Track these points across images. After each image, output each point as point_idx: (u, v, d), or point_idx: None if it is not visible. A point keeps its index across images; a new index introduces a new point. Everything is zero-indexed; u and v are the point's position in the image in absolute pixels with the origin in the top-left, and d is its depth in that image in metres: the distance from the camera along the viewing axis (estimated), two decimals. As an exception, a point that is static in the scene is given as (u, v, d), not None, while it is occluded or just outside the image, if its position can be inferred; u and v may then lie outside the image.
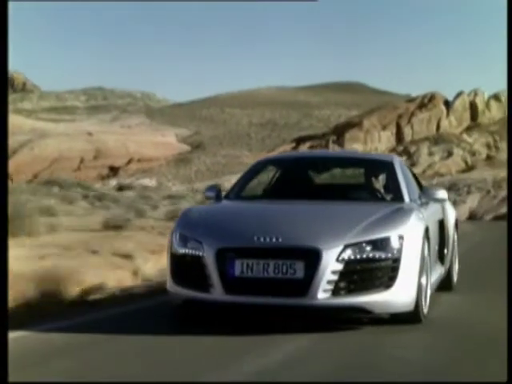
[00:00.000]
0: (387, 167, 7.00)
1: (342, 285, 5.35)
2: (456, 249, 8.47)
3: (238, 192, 6.90)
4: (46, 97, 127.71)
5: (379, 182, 7.44)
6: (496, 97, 69.05)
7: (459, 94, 69.52)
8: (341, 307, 5.36)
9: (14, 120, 53.52)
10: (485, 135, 65.44)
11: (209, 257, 5.51)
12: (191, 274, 5.66)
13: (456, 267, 8.46)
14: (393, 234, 5.53)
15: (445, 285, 7.69)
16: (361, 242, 5.43)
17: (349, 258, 5.36)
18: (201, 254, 5.57)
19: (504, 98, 67.48)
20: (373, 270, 5.41)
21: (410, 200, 6.50)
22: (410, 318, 5.69)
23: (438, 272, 6.98)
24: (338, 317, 5.63)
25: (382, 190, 7.08)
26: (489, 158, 59.82)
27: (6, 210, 5.19)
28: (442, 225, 7.38)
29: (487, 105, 69.38)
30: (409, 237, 5.59)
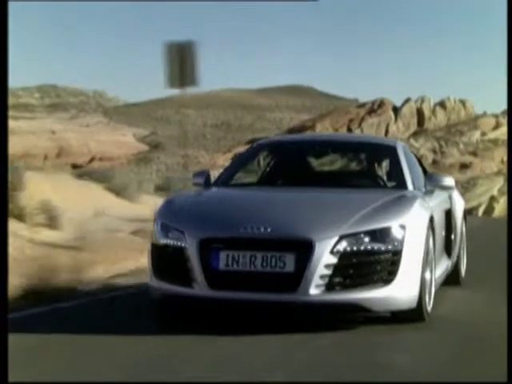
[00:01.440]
0: (390, 152, 6.48)
1: (337, 280, 4.85)
2: (464, 240, 7.95)
3: (227, 179, 6.40)
4: None
5: (382, 169, 6.92)
6: (442, 104, 71.83)
7: (407, 101, 72.90)
8: (335, 304, 4.86)
9: None
10: (431, 140, 67.25)
11: (191, 248, 5.02)
12: (173, 267, 5.17)
13: (464, 260, 7.94)
14: (394, 224, 5.02)
15: (452, 279, 7.18)
16: (358, 233, 4.92)
17: (344, 250, 4.86)
18: (183, 244, 5.08)
19: (449, 104, 71.06)
20: (371, 264, 4.90)
21: (414, 187, 5.99)
22: (412, 316, 5.18)
23: (444, 265, 6.47)
24: (332, 315, 5.12)
25: (385, 177, 6.57)
26: (435, 162, 60.67)
27: (6, 198, 4.73)
28: (448, 215, 6.87)
29: (433, 111, 71.78)
30: (411, 227, 5.08)
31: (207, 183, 6.32)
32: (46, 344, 4.60)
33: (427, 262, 5.38)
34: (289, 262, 4.82)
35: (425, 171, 6.98)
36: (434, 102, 73.03)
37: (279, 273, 4.82)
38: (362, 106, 76.84)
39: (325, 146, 6.94)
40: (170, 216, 5.40)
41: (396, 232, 4.99)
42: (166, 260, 5.24)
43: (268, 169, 7.07)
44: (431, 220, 5.50)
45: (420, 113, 72.20)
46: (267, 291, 4.84)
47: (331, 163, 7.65)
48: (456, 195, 7.63)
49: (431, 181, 6.15)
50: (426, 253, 5.30)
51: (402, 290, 4.99)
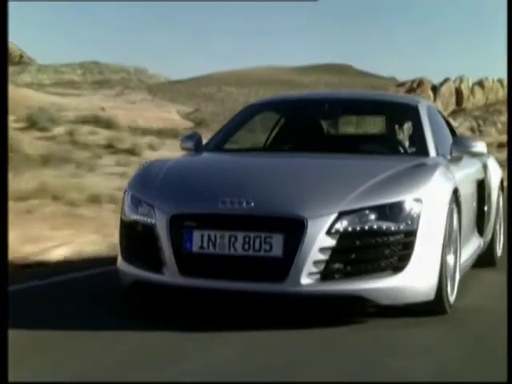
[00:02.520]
0: (411, 113, 5.51)
1: (335, 266, 3.96)
2: (502, 215, 6.96)
3: (220, 143, 5.52)
4: (44, 70, 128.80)
5: (404, 132, 5.95)
6: (480, 83, 70.88)
7: (446, 81, 72.10)
8: (332, 296, 3.98)
9: (27, 93, 54.03)
10: (469, 120, 66.55)
11: (161, 226, 4.17)
12: (142, 248, 4.34)
13: (501, 237, 6.97)
14: (407, 198, 4.10)
15: (486, 260, 6.23)
16: (362, 209, 4.02)
17: (345, 230, 3.96)
18: (153, 221, 4.24)
19: (488, 84, 70.52)
20: (378, 247, 4.00)
21: (438, 154, 5.04)
22: (429, 308, 4.29)
23: (473, 246, 5.52)
24: (329, 308, 4.23)
25: (407, 143, 5.62)
26: (473, 141, 60.33)
27: (6, 173, 4.17)
28: (482, 186, 5.90)
29: (472, 91, 71.07)
30: (429, 201, 4.16)
31: (197, 148, 5.45)
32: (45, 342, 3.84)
33: (450, 243, 4.47)
34: (276, 245, 3.94)
35: (454, 136, 6.01)
36: (472, 82, 73.27)
37: (264, 257, 3.95)
38: (402, 85, 77.38)
39: (336, 106, 5.97)
40: (142, 187, 4.56)
41: (410, 207, 4.08)
42: (134, 240, 4.42)
43: (273, 132, 6.19)
44: (456, 193, 4.57)
45: (458, 92, 72.67)
46: (249, 280, 3.98)
47: (344, 125, 6.67)
48: (492, 163, 6.64)
49: (458, 146, 5.17)
50: (449, 232, 4.38)
51: (416, 279, 4.08)
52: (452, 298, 4.50)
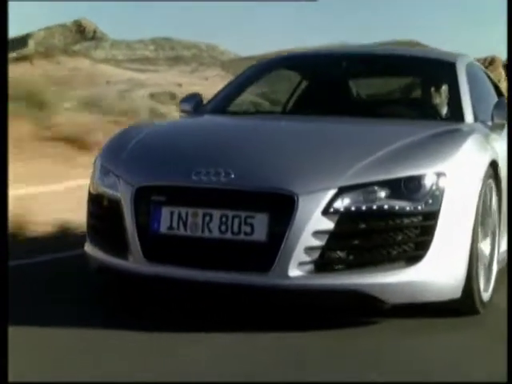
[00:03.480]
0: (447, 70, 4.61)
1: (333, 255, 3.16)
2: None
3: (221, 104, 4.73)
4: (117, 46, 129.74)
5: (441, 94, 5.04)
6: None
7: None
8: (328, 292, 3.18)
9: (107, 69, 54.55)
10: None
11: (125, 201, 3.43)
12: (106, 226, 3.62)
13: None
14: (428, 171, 3.27)
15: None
16: (370, 184, 3.21)
17: (346, 209, 3.16)
18: (118, 195, 3.51)
19: None
20: (389, 231, 3.18)
21: (476, 120, 4.17)
22: (456, 308, 3.46)
23: None
24: (324, 307, 3.43)
25: (446, 107, 4.72)
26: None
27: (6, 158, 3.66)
28: None
29: None
30: (457, 176, 3.32)
31: (197, 110, 4.69)
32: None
33: (485, 228, 3.62)
34: (259, 227, 3.16)
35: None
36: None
37: (244, 241, 3.18)
38: (475, 62, 77.75)
39: (360, 63, 5.07)
40: (112, 154, 3.82)
41: (431, 183, 3.24)
42: (99, 217, 3.69)
43: (293, 93, 5.37)
44: (494, 166, 3.70)
45: (529, 71, 72.21)
46: (226, 269, 3.21)
47: (367, 85, 5.75)
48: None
49: (502, 111, 4.24)
50: (482, 214, 3.53)
51: (437, 272, 3.26)
52: (486, 296, 3.65)
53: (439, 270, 3.26)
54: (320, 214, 3.12)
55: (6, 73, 3.63)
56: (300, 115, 4.63)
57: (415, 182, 3.23)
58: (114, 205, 3.50)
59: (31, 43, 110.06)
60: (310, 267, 3.14)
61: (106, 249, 3.58)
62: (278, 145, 3.57)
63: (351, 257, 3.16)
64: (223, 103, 4.72)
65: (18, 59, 45.39)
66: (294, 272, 3.13)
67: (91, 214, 3.77)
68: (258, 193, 3.19)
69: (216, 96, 4.83)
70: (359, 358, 2.94)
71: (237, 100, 4.80)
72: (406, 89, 5.46)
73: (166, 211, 3.31)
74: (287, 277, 3.13)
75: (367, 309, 3.37)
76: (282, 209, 3.14)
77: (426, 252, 3.21)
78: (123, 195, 3.44)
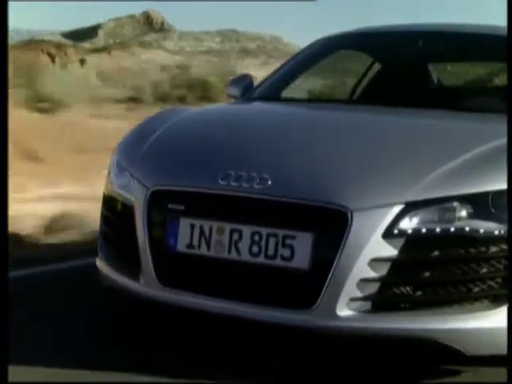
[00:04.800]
0: None
1: (396, 290, 2.43)
2: None
3: (275, 88, 4.01)
4: (185, 37, 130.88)
5: None
6: None
7: None
8: (388, 338, 2.44)
9: (181, 60, 55.42)
10: None
11: (138, 207, 2.76)
12: (118, 238, 2.96)
13: None
14: None
15: None
16: (447, 199, 2.46)
17: (416, 231, 2.42)
18: (132, 199, 2.84)
19: None
20: (471, 262, 2.43)
21: None
22: None
23: None
24: (383, 357, 2.69)
25: None
26: None
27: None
28: None
29: None
30: None
31: (246, 95, 3.98)
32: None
33: None
34: (300, 250, 2.44)
35: None
36: None
37: (281, 268, 2.47)
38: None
39: (444, 44, 4.19)
40: (130, 149, 3.14)
41: None
42: (111, 224, 3.03)
43: (363, 79, 4.62)
44: None
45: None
46: (257, 302, 2.51)
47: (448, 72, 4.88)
48: None
49: None
50: None
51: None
52: None
53: (535, 314, 2.48)
54: (380, 236, 2.39)
55: (5, 73, 3.09)
56: (367, 105, 3.84)
57: (505, 197, 2.47)
58: (127, 211, 2.83)
59: (101, 33, 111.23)
60: (364, 305, 2.41)
61: (116, 265, 2.92)
62: (333, 144, 2.83)
63: (419, 293, 2.42)
64: (277, 88, 4.00)
65: (96, 50, 45.69)
66: (344, 311, 2.41)
67: (103, 220, 3.11)
68: (301, 206, 2.47)
69: (269, 78, 4.12)
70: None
71: (294, 84, 4.08)
72: (496, 77, 4.62)
73: (184, 224, 2.62)
74: (335, 316, 2.41)
75: (438, 360, 2.62)
76: (330, 228, 2.42)
77: (520, 290, 2.45)
78: (137, 200, 2.77)
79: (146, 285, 2.69)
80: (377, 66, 4.56)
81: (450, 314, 2.43)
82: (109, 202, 3.06)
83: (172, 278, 2.64)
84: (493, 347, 2.50)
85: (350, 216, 2.40)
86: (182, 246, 2.61)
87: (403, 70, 4.31)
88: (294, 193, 2.50)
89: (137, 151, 3.00)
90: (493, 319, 2.45)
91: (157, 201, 2.70)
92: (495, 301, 2.45)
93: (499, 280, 2.45)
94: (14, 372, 2.44)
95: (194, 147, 2.93)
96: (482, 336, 2.46)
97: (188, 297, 2.60)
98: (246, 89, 4.01)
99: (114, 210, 2.99)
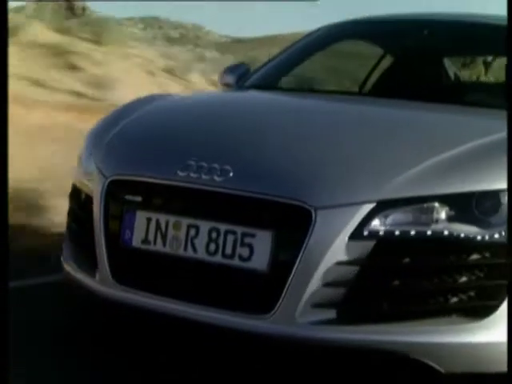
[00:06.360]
0: None
1: (364, 299, 2.19)
2: None
3: (268, 78, 3.79)
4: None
5: None
6: None
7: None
8: (354, 351, 2.21)
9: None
10: None
11: (96, 198, 2.57)
12: (78, 229, 2.78)
13: None
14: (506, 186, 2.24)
15: None
16: (424, 198, 2.21)
17: (387, 233, 2.18)
18: (92, 190, 2.65)
19: None
20: (449, 270, 2.19)
21: None
22: None
23: None
24: (345, 370, 2.45)
25: None
26: None
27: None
28: None
29: None
30: None
31: (240, 84, 3.77)
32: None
33: None
34: (259, 249, 2.22)
35: None
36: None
37: (239, 269, 2.25)
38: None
39: (461, 36, 3.89)
40: (99, 134, 2.95)
41: None
42: (74, 216, 2.85)
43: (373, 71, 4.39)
44: None
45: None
46: (211, 304, 2.29)
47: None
48: None
49: None
50: None
51: (517, 334, 2.23)
52: None
53: (520, 329, 2.23)
54: (347, 238, 2.16)
55: (6, 72, 2.93)
56: (356, 96, 3.62)
57: (492, 199, 2.22)
58: (88, 202, 2.64)
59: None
60: (327, 313, 2.18)
61: (75, 259, 2.74)
62: (307, 137, 2.59)
63: (389, 303, 2.19)
64: (272, 76, 3.78)
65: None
66: (305, 317, 2.18)
67: (69, 211, 2.93)
68: (262, 201, 2.25)
69: (265, 66, 3.90)
70: None
71: (293, 72, 3.86)
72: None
73: (141, 217, 2.42)
74: (294, 323, 2.18)
75: (410, 378, 2.37)
76: (292, 227, 2.20)
77: (501, 302, 2.20)
78: (95, 191, 2.58)
79: (101, 282, 2.50)
80: (376, 57, 4.31)
81: (424, 326, 2.19)
82: (74, 189, 2.89)
83: (127, 276, 2.44)
84: (472, 365, 2.26)
85: (313, 214, 2.17)
86: (137, 242, 2.41)
87: (415, 63, 4.06)
88: (255, 187, 2.27)
89: (102, 139, 2.82)
90: (472, 333, 2.20)
91: (114, 191, 2.50)
92: (475, 313, 2.20)
93: (480, 291, 2.20)
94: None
95: (160, 136, 2.72)
96: (460, 352, 2.22)
97: (143, 296, 2.40)
98: (240, 77, 3.81)
99: (77, 199, 2.82)
